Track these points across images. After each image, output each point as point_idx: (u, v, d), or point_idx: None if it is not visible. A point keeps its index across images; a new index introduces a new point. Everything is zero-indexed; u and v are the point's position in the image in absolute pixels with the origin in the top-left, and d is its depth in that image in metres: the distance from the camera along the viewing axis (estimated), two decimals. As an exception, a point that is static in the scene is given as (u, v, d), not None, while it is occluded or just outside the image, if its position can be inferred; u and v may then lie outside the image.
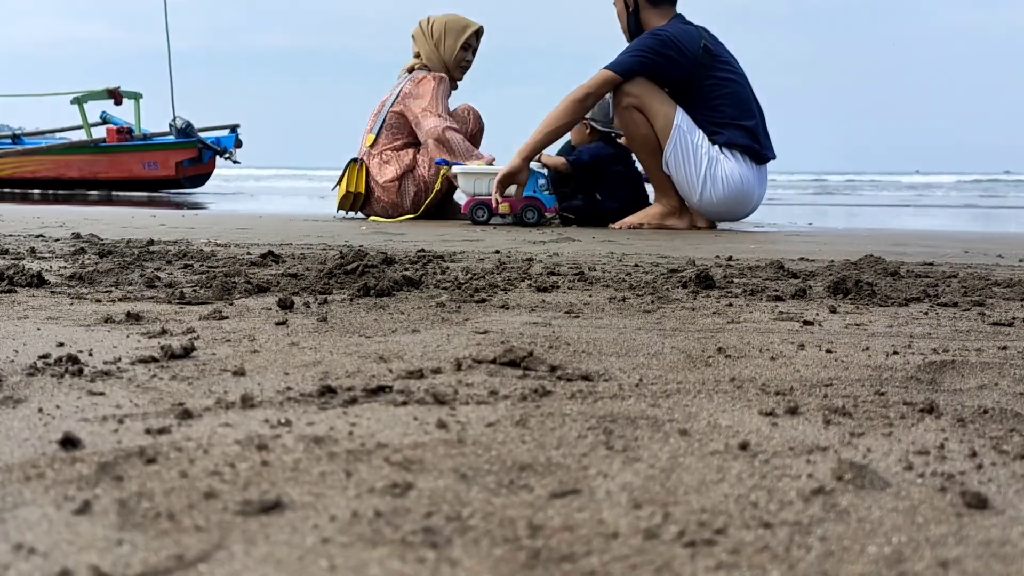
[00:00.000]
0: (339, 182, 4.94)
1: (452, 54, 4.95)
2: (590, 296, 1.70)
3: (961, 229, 5.18)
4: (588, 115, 4.50)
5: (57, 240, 2.88)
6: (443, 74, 4.88)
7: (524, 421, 0.82)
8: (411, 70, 5.00)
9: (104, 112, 11.44)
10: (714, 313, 1.51)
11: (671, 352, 1.16)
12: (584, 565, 0.52)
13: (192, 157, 11.01)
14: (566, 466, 0.70)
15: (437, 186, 4.81)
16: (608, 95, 4.38)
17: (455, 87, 5.06)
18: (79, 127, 11.43)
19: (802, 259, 2.62)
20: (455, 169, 4.56)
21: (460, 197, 4.94)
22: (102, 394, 0.89)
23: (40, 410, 0.83)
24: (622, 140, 4.56)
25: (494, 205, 4.34)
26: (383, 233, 3.61)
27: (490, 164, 4.75)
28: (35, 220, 4.11)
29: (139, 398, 0.88)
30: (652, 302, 1.62)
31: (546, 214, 4.39)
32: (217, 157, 11.11)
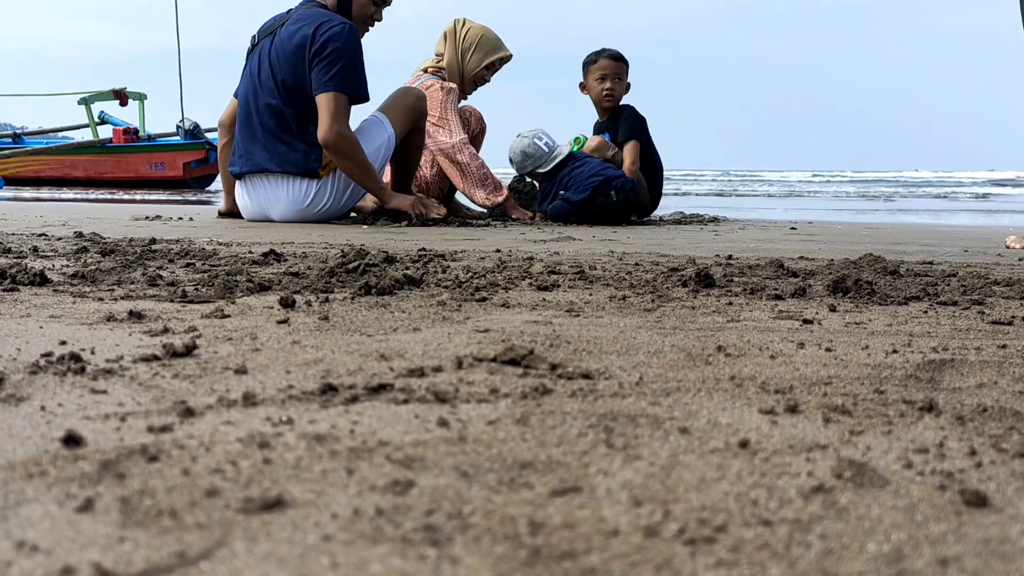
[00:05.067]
0: None
1: (474, 69, 4.84)
2: (590, 295, 1.70)
3: (958, 224, 5.18)
4: (527, 171, 4.63)
5: (60, 239, 2.88)
6: (453, 84, 4.74)
7: (525, 419, 0.82)
8: (426, 70, 4.90)
9: (102, 112, 11.47)
10: (714, 312, 1.51)
11: (671, 350, 1.16)
12: (584, 563, 0.53)
13: (199, 158, 11.03)
14: (567, 464, 0.70)
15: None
16: (530, 134, 4.52)
17: (464, 97, 5.00)
18: (84, 126, 11.46)
19: (802, 258, 2.62)
20: None
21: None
22: (104, 392, 0.89)
23: (42, 408, 0.83)
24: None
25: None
26: (384, 232, 3.61)
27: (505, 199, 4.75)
28: (38, 219, 4.11)
29: (141, 396, 0.88)
30: (652, 301, 1.62)
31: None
32: None
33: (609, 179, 4.42)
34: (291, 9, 4.27)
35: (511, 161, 4.73)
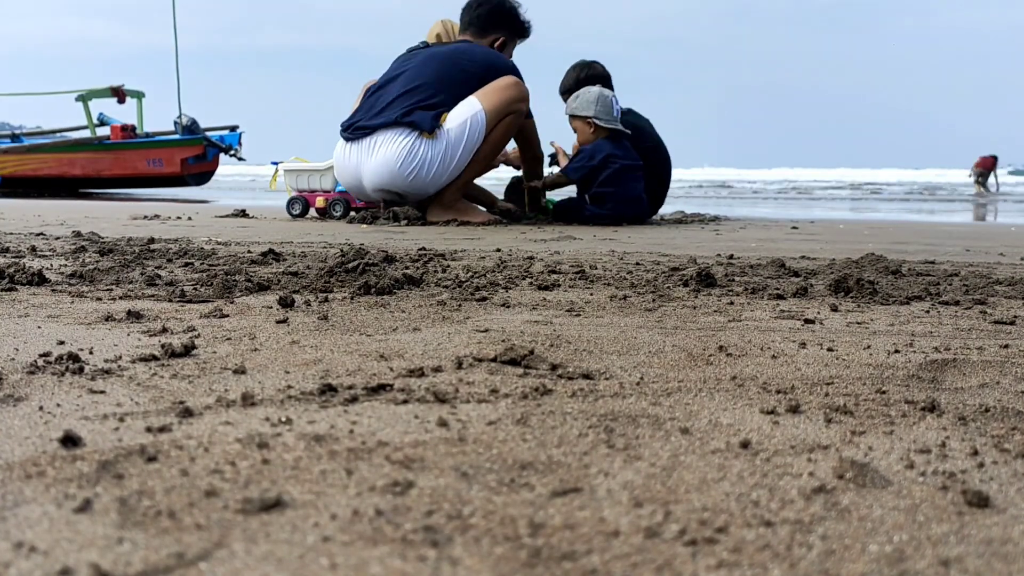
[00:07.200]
0: None
1: None
2: (591, 294, 1.70)
3: (959, 221, 5.18)
4: (591, 112, 4.48)
5: (58, 238, 2.88)
6: None
7: (525, 419, 0.82)
8: None
9: (101, 114, 11.46)
10: (715, 311, 1.50)
11: (672, 350, 1.16)
12: (585, 563, 0.52)
13: (197, 154, 11.03)
14: (567, 464, 0.70)
15: (272, 186, 5.22)
16: (610, 93, 4.44)
17: None
18: (83, 127, 11.45)
19: (803, 257, 2.62)
20: (281, 166, 4.86)
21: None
22: (103, 392, 0.89)
23: (41, 408, 0.83)
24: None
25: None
26: (384, 231, 3.61)
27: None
28: (36, 218, 4.11)
29: (140, 396, 0.88)
30: (653, 300, 1.62)
31: (353, 207, 4.64)
32: (220, 154, 11.14)
33: (638, 211, 4.53)
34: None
35: (574, 96, 4.60)
